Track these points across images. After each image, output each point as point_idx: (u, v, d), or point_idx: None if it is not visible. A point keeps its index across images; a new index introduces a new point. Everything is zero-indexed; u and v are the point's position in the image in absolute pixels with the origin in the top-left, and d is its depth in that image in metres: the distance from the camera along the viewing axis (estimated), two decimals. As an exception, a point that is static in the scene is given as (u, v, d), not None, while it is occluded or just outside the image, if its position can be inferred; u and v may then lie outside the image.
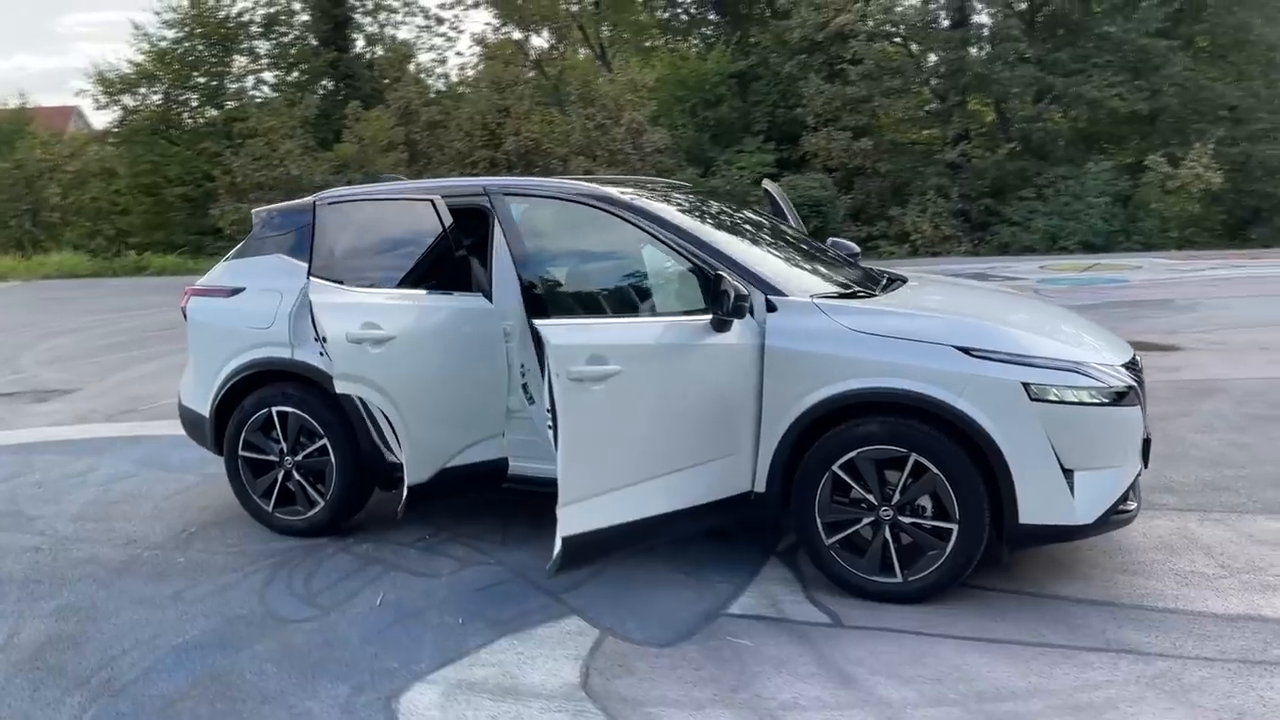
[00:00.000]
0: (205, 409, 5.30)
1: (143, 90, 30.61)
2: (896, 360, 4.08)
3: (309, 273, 4.31)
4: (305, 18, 32.43)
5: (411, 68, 31.22)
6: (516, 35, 30.27)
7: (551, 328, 3.66)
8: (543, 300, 4.33)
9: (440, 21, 34.62)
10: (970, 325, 4.20)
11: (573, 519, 3.72)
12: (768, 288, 4.28)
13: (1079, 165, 24.09)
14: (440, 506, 5.34)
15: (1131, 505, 4.22)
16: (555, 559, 3.70)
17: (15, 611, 4.37)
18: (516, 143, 23.95)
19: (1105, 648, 3.79)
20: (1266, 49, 25.58)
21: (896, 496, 4.13)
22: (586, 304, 4.52)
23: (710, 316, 4.09)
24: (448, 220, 4.69)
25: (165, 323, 13.77)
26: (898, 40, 27.19)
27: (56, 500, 5.93)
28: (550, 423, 3.70)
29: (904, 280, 5.07)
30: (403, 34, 33.73)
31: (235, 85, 31.08)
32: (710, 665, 3.73)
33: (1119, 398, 4.06)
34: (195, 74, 30.83)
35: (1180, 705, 3.36)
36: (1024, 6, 26.08)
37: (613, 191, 4.64)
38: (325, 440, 5.01)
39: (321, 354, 4.23)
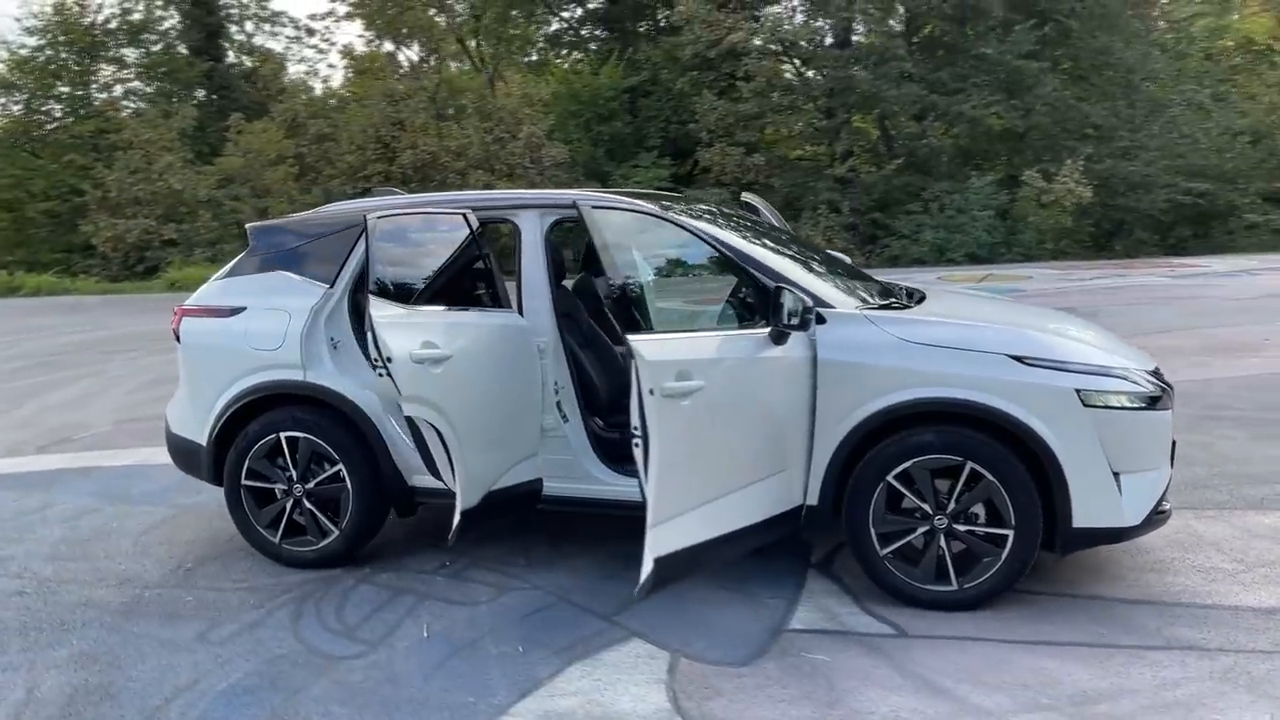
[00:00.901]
0: (202, 436, 4.99)
1: (1, 100, 28.89)
2: (953, 370, 4.13)
3: (368, 290, 4.09)
4: (175, 24, 31.19)
5: (287, 80, 30.37)
6: (388, 47, 29.85)
7: (643, 343, 3.57)
8: (622, 316, 4.23)
9: (311, 33, 33.93)
10: (1020, 334, 4.29)
11: (662, 539, 3.64)
12: (816, 300, 4.28)
13: (961, 180, 25.08)
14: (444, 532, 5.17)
15: (1167, 506, 4.37)
16: (646, 581, 3.60)
17: (25, 663, 4.01)
18: (414, 156, 23.49)
19: (1167, 645, 3.90)
20: (1126, 72, 27.18)
21: (951, 505, 4.17)
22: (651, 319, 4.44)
23: (769, 329, 4.06)
24: (476, 234, 4.55)
25: (64, 345, 12.98)
26: (786, 59, 27.82)
27: (20, 539, 5.49)
28: (638, 441, 3.60)
29: (923, 292, 5.14)
30: (274, 45, 32.86)
31: (103, 95, 29.60)
32: (795, 682, 3.69)
33: (1154, 401, 4.20)
34: (59, 83, 29.27)
35: (1261, 698, 3.49)
36: (901, 28, 27.05)
37: (650, 206, 4.59)
38: (340, 466, 4.78)
39: (381, 375, 4.02)
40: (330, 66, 53.89)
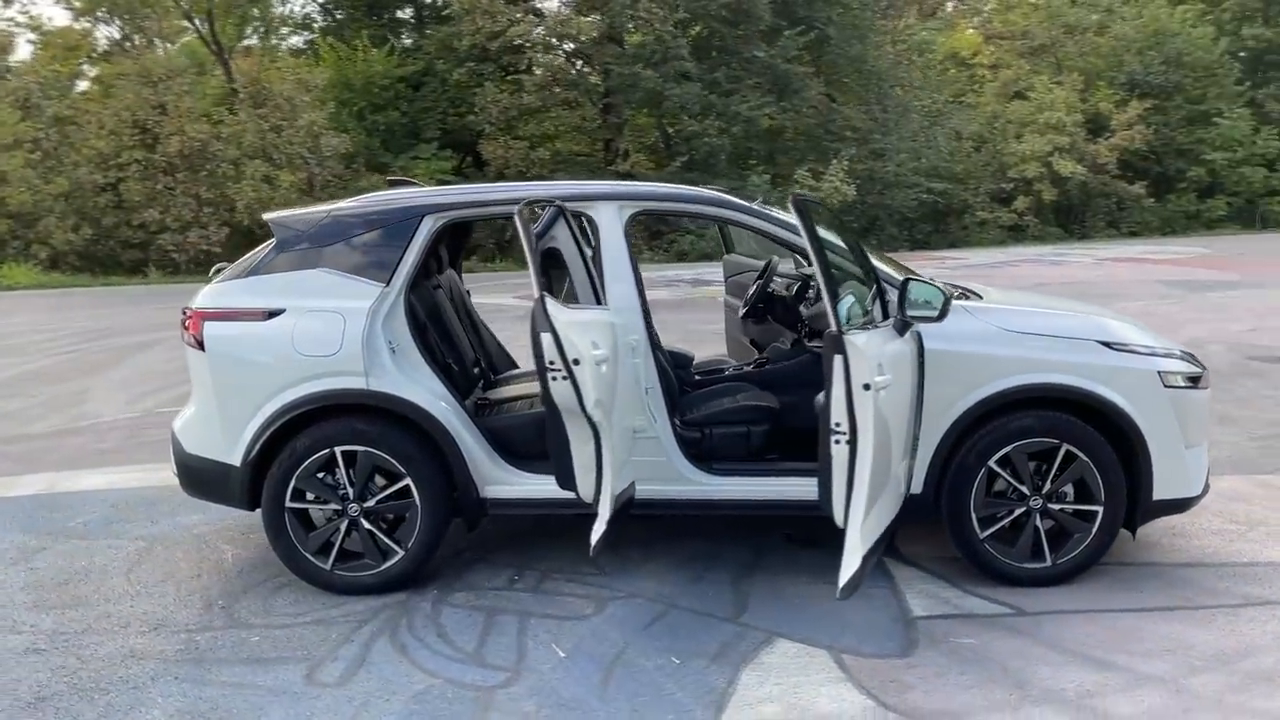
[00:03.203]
0: (233, 456, 4.41)
1: None
2: (1051, 357, 4.34)
3: (538, 288, 3.73)
4: None
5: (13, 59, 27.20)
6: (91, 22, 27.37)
7: (856, 336, 3.52)
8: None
9: (8, 2, 30.59)
10: (1101, 322, 4.57)
11: (866, 535, 3.60)
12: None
13: (739, 179, 26.09)
14: (480, 542, 4.91)
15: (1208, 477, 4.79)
16: (853, 578, 3.55)
17: (117, 731, 3.43)
18: (181, 143, 21.64)
19: (1247, 602, 4.29)
20: (877, 79, 29.24)
21: (1047, 485, 4.38)
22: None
23: (891, 321, 4.10)
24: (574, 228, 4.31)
25: None
26: (565, 53, 27.85)
27: (-25, 588, 4.66)
28: (839, 439, 3.53)
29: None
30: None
31: None
32: (969, 668, 3.76)
33: (1197, 380, 4.58)
34: None
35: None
36: (671, 28, 27.71)
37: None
38: (408, 480, 4.38)
39: (558, 379, 3.68)
40: (29, 42, 48.53)
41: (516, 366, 6.14)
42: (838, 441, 3.54)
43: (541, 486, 4.50)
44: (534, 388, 5.25)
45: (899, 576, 4.62)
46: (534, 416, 4.74)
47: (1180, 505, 4.56)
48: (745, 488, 4.52)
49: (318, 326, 4.36)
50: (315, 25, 32.81)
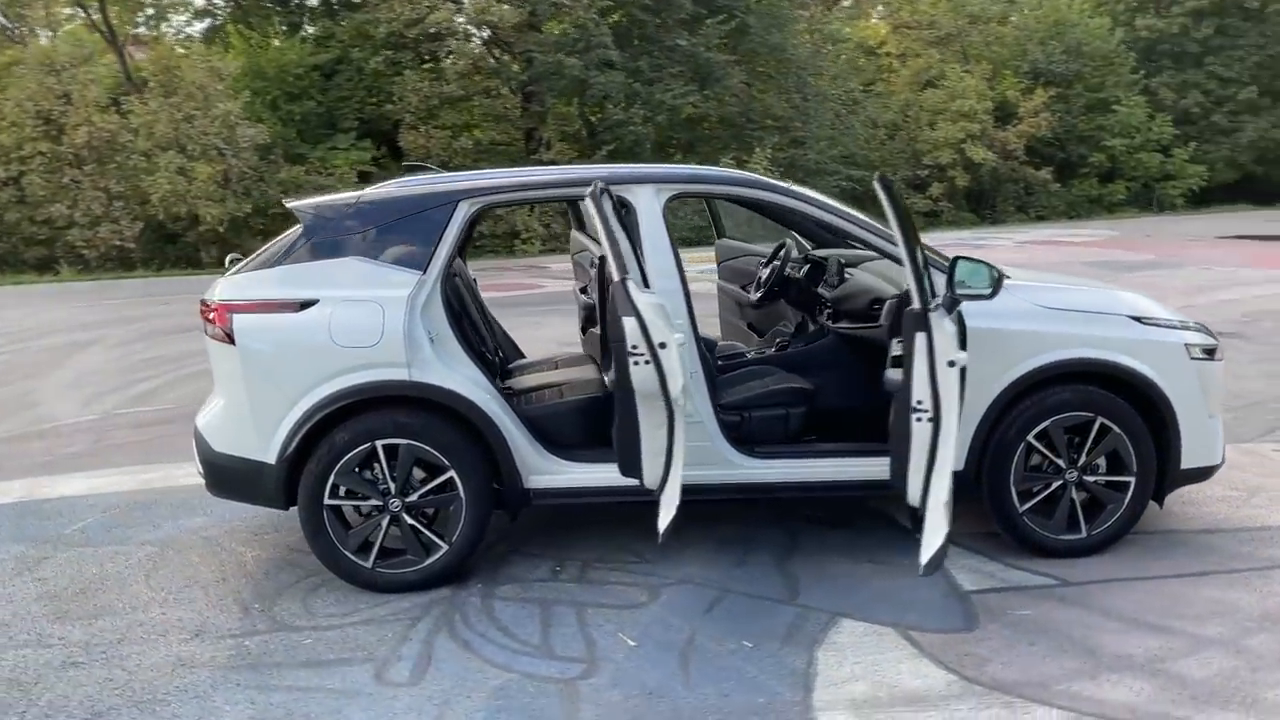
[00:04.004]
0: (267, 453, 4.24)
1: None
2: (1086, 332, 4.44)
3: (619, 271, 3.64)
4: None
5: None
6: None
7: (940, 314, 3.53)
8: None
9: None
10: (1129, 297, 4.68)
11: (948, 515, 3.62)
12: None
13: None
14: (501, 535, 4.84)
15: None
16: (936, 556, 3.57)
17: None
18: (89, 133, 20.73)
19: (1273, 565, 4.47)
20: (797, 68, 29.53)
21: (1082, 458, 4.48)
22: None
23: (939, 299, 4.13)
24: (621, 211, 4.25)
25: None
26: (485, 41, 27.47)
27: (-16, 600, 4.40)
28: (921, 416, 3.55)
29: None
30: None
31: None
32: (1037, 639, 3.82)
33: (1213, 352, 4.73)
34: None
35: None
36: (594, 15, 27.57)
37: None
38: (452, 472, 4.27)
39: (639, 364, 3.60)
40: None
41: (523, 356, 6.05)
42: (919, 419, 3.56)
43: (586, 475, 4.45)
44: (555, 377, 5.21)
45: (937, 552, 4.67)
46: (575, 404, 4.68)
47: (1204, 474, 4.71)
48: (788, 470, 4.52)
49: (356, 317, 4.21)
50: (218, 11, 31.72)
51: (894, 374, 3.89)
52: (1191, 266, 16.47)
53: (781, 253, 5.64)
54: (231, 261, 4.69)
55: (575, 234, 6.77)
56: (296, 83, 26.33)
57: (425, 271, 4.32)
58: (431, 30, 25.28)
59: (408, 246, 4.35)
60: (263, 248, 4.62)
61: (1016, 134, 32.56)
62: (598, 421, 4.66)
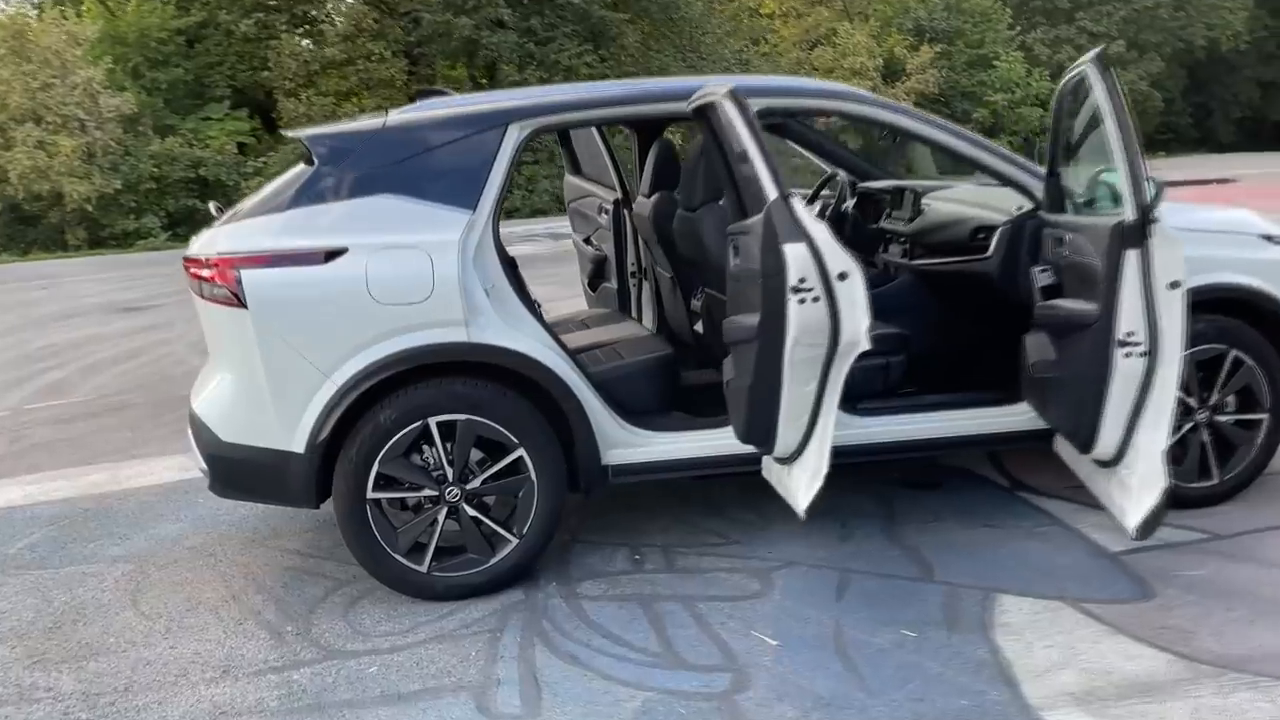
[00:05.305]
0: (292, 441, 3.42)
1: None
2: (1223, 253, 3.97)
3: (777, 188, 2.91)
4: None
5: None
6: None
7: (1157, 224, 2.97)
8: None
9: None
10: (1247, 214, 4.22)
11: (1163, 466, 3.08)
12: None
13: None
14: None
15: None
16: (1150, 515, 3.04)
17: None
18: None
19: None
20: (690, 26, 28.95)
21: (1214, 396, 4.01)
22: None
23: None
24: None
25: None
26: (366, 1, 26.00)
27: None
28: (1132, 351, 2.98)
29: None
30: None
31: None
32: (1236, 603, 3.32)
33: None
34: None
35: None
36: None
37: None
38: (521, 450, 3.54)
39: (806, 301, 2.89)
40: None
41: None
42: (1128, 354, 3.00)
43: (670, 445, 3.79)
44: (601, 335, 4.50)
45: (1053, 510, 4.16)
46: (643, 365, 3.99)
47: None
48: (896, 428, 3.92)
49: (398, 267, 3.42)
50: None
51: (1072, 304, 3.32)
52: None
53: (834, 184, 5.02)
54: (219, 210, 3.82)
55: (571, 179, 6.02)
56: (160, 48, 24.47)
57: (475, 210, 3.55)
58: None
59: (450, 180, 3.57)
60: (257, 191, 3.76)
61: (905, 90, 32.70)
62: (670, 383, 4.00)
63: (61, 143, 19.78)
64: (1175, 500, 3.91)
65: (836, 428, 3.75)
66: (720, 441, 3.72)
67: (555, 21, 25.71)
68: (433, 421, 3.46)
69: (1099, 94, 3.10)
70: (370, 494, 3.46)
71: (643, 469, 3.78)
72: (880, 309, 4.32)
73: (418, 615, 3.49)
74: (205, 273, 3.46)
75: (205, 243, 3.56)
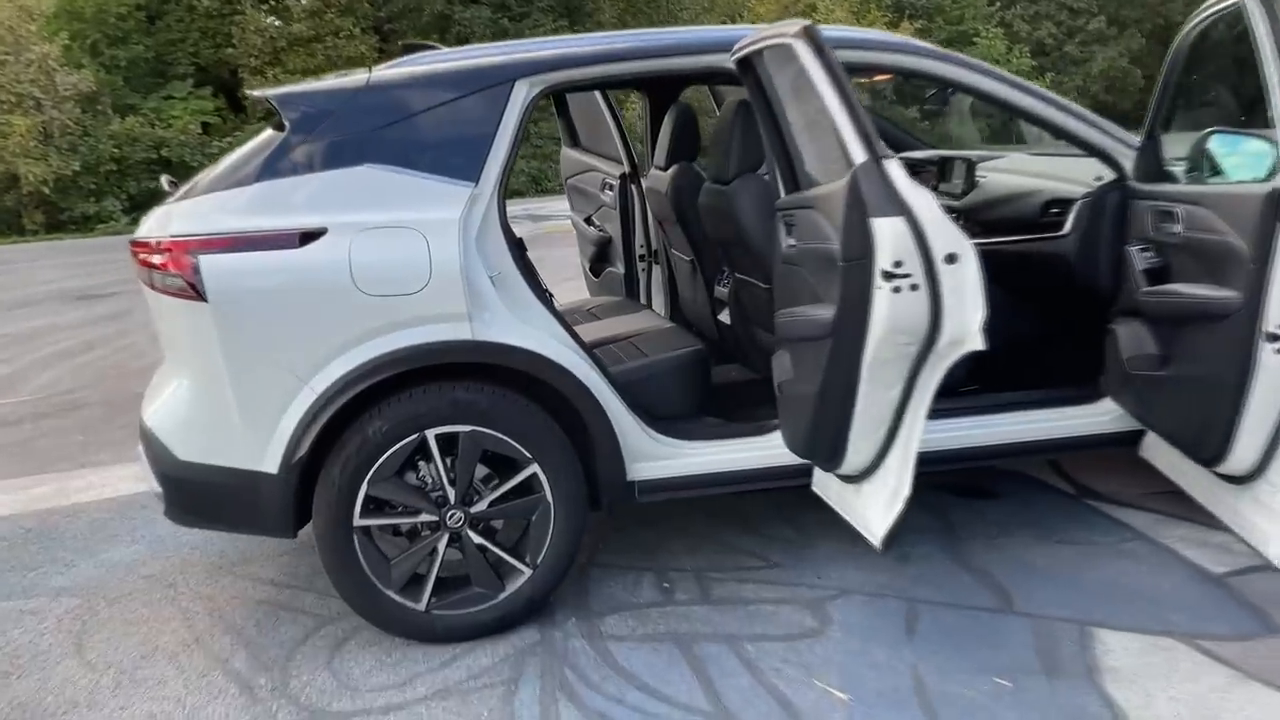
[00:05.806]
0: (266, 460, 2.87)
1: None
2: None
3: (867, 150, 2.37)
4: None
5: None
6: None
7: None
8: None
9: None
10: None
11: None
12: None
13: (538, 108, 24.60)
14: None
15: None
16: None
17: None
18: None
19: None
20: (669, 1, 28.35)
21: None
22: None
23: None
24: None
25: None
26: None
27: None
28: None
29: None
30: None
31: None
32: (1367, 636, 2.86)
33: None
34: None
35: None
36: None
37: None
38: (535, 467, 3.00)
39: (903, 290, 2.35)
40: None
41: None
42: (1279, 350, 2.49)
43: (706, 457, 3.26)
44: (617, 328, 3.96)
45: (1132, 522, 3.67)
46: (672, 364, 3.45)
47: None
48: (961, 432, 3.41)
49: (387, 251, 2.86)
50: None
51: (1195, 289, 2.81)
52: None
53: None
54: (171, 184, 3.23)
55: (569, 152, 5.46)
56: (119, 24, 23.57)
57: (477, 183, 2.99)
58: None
59: (447, 147, 3.01)
60: (220, 161, 3.18)
61: (885, 67, 32.23)
62: (703, 383, 3.47)
63: (15, 122, 18.95)
64: None
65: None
66: (763, 452, 3.21)
67: (530, -4, 25.06)
68: (430, 434, 2.92)
69: (1260, 29, 2.59)
70: (358, 520, 2.92)
71: (674, 484, 3.26)
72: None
73: (416, 663, 2.96)
74: (157, 259, 2.89)
75: (157, 223, 2.99)
